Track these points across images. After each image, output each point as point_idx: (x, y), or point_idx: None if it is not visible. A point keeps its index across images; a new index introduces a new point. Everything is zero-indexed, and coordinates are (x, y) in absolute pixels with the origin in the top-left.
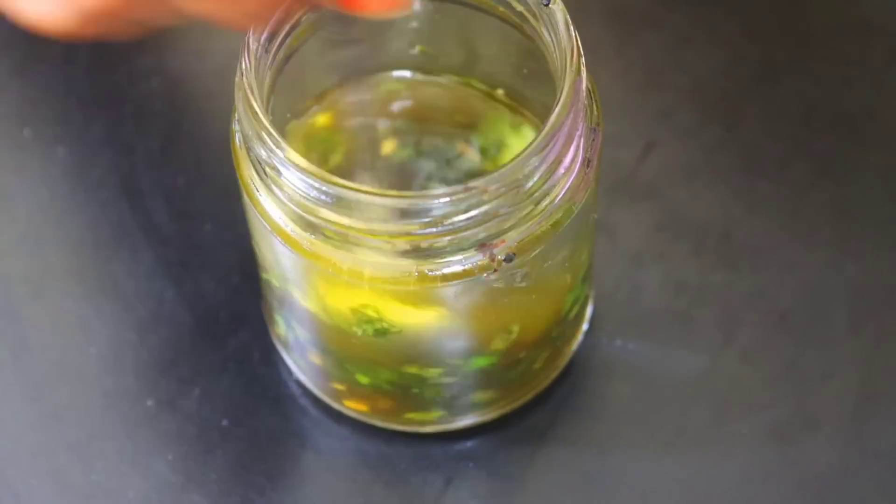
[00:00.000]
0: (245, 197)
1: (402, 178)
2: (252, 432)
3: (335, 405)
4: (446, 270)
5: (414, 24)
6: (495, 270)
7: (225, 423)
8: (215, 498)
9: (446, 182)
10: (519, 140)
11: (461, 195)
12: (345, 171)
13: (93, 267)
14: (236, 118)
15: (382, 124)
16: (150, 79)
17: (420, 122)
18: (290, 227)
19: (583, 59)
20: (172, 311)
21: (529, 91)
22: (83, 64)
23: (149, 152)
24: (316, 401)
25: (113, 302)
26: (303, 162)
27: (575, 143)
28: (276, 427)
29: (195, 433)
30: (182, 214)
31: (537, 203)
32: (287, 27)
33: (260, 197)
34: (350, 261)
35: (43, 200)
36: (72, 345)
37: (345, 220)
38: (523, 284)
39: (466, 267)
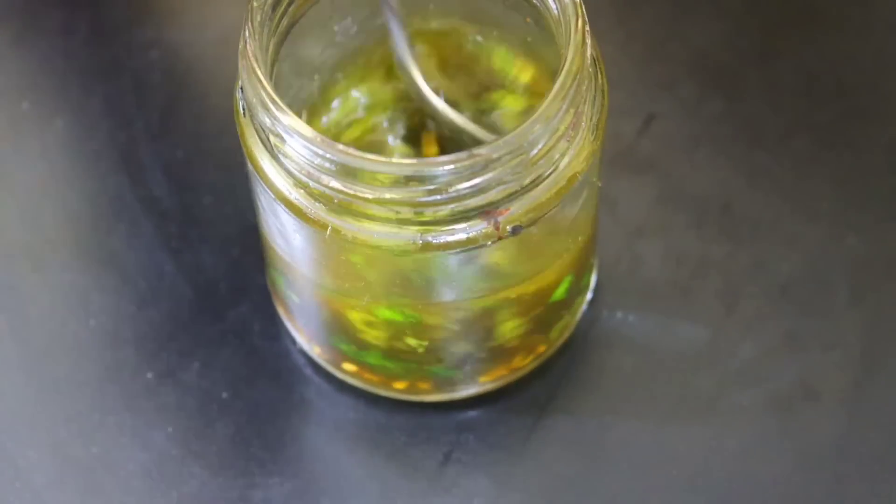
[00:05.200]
0: (249, 165)
1: (412, 149)
2: (252, 405)
3: (338, 374)
4: (450, 238)
5: None
6: (499, 239)
7: (225, 395)
8: (215, 470)
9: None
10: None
11: (465, 162)
12: (356, 143)
13: (92, 240)
14: (239, 86)
15: (391, 94)
16: (150, 51)
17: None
18: (294, 195)
19: (587, 26)
20: (172, 283)
21: (534, 59)
22: (82, 36)
23: (148, 125)
24: (316, 372)
25: (112, 274)
26: (307, 129)
27: (580, 111)
28: (276, 399)
29: (195, 406)
30: (181, 187)
31: (542, 171)
32: None
33: (264, 165)
34: (354, 228)
35: (42, 173)
36: (71, 318)
37: (349, 188)
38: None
39: (470, 235)
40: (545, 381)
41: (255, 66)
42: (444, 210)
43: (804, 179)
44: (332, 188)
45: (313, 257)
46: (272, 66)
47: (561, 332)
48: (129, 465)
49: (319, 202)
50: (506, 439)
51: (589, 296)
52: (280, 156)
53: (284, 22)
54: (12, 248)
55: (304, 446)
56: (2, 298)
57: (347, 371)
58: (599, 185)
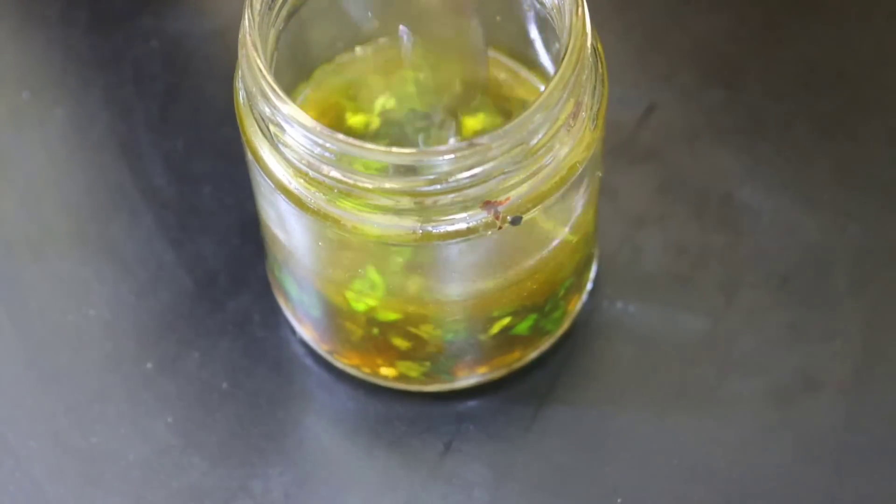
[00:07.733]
0: (249, 155)
1: (410, 140)
2: (252, 395)
3: (337, 364)
4: (450, 228)
5: None
6: (500, 228)
7: (225, 385)
8: (215, 460)
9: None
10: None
11: (465, 152)
12: (357, 134)
13: (92, 230)
14: (239, 75)
15: (389, 86)
16: (150, 40)
17: (426, 85)
18: (294, 184)
19: (587, 15)
20: (172, 273)
21: (534, 51)
22: (82, 25)
23: (148, 114)
24: (316, 362)
25: (112, 265)
26: (306, 118)
27: (580, 100)
28: (276, 389)
29: (195, 396)
30: (181, 177)
31: (542, 160)
32: None
33: (264, 155)
34: (354, 218)
35: (42, 163)
36: (71, 308)
37: (348, 178)
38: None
39: (471, 225)
40: (545, 372)
41: (255, 55)
42: (445, 200)
43: (805, 169)
44: (331, 178)
45: (313, 247)
46: (272, 55)
47: (561, 322)
48: (129, 456)
49: (319, 192)
50: (506, 429)
51: (589, 286)
52: (280, 145)
53: (284, 11)
54: (12, 238)
55: (304, 436)
56: (1, 288)
57: (347, 361)
58: (600, 175)
